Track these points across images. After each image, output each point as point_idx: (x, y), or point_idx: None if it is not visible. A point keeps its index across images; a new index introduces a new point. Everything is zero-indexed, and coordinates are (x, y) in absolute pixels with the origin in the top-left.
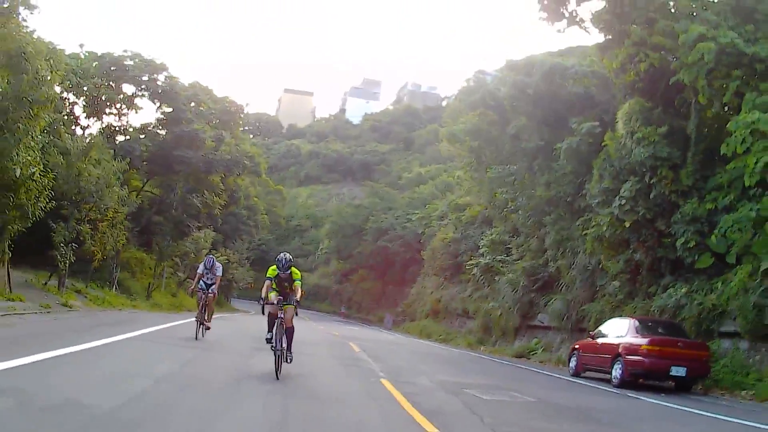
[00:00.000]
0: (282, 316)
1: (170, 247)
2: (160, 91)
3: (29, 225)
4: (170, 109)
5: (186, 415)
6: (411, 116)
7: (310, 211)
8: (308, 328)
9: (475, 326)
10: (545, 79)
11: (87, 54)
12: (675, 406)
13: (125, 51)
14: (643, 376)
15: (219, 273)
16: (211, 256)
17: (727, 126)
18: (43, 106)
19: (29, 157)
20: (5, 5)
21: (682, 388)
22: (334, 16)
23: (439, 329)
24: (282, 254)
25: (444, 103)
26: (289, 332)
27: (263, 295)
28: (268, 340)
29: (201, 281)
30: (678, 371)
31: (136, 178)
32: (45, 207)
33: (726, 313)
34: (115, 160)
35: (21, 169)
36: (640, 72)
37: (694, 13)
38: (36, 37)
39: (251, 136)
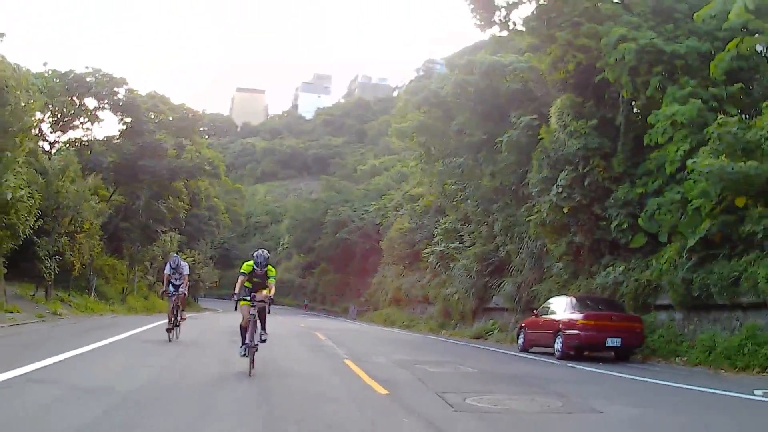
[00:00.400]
0: (254, 311)
1: (140, 252)
2: (121, 104)
3: (20, 243)
4: (130, 120)
5: (189, 393)
6: (362, 108)
7: (268, 208)
8: (275, 322)
9: (435, 311)
10: (485, 77)
11: (51, 72)
12: (606, 372)
13: (87, 68)
14: (582, 349)
15: (186, 272)
16: (176, 255)
17: (648, 119)
18: (26, 133)
19: (17, 182)
20: None
21: (621, 357)
22: (283, 13)
23: (402, 316)
24: (260, 251)
25: (395, 94)
26: (262, 314)
27: (236, 290)
28: (242, 354)
29: (169, 283)
30: (613, 342)
31: (103, 187)
32: (33, 225)
33: (660, 287)
34: (84, 173)
35: (12, 192)
36: (569, 70)
37: (617, 16)
38: (14, 64)
39: (207, 137)
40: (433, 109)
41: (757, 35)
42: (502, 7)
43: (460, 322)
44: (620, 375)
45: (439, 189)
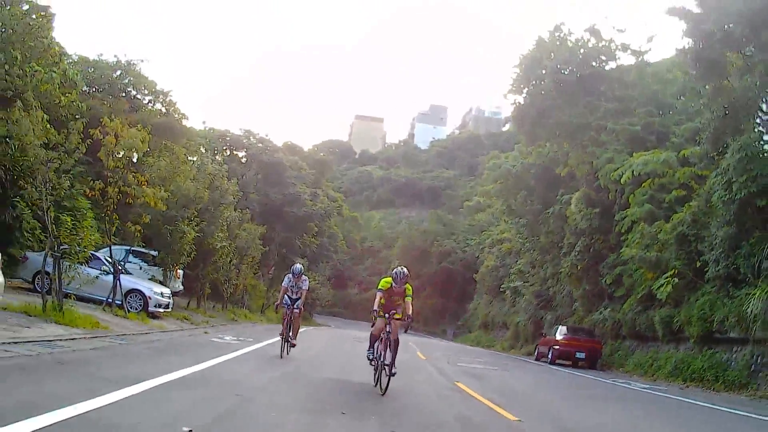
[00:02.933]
0: (390, 330)
1: (276, 275)
2: (266, 161)
3: (220, 275)
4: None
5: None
6: (474, 143)
7: (382, 233)
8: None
9: (509, 335)
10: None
11: (211, 130)
12: (571, 372)
13: (241, 129)
14: (561, 357)
15: (305, 286)
16: (298, 265)
17: (615, 217)
18: (227, 205)
19: (221, 235)
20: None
21: (589, 365)
22: (404, 42)
23: (487, 338)
24: (399, 268)
25: (505, 128)
26: (394, 345)
27: (375, 306)
28: (369, 359)
29: (286, 296)
30: (580, 354)
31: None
32: (229, 264)
33: (624, 323)
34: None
35: (219, 243)
36: (583, 172)
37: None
38: (224, 169)
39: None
40: (509, 180)
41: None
42: None
43: (525, 343)
44: (575, 373)
45: (514, 237)
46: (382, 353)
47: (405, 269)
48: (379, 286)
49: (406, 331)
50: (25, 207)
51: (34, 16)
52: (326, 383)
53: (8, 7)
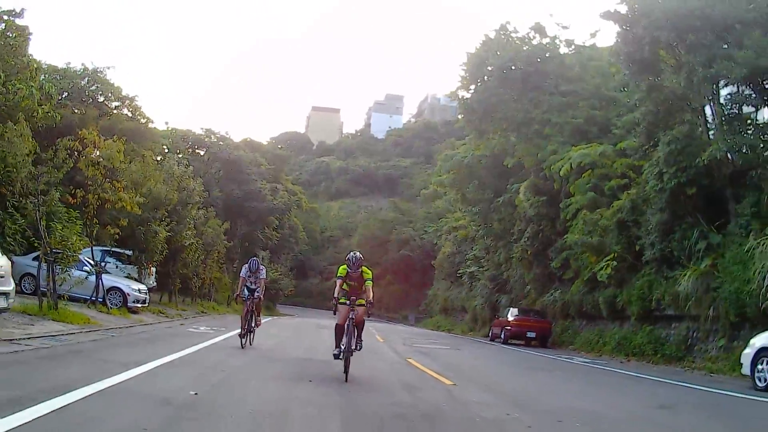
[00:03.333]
0: (353, 316)
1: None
2: (226, 158)
3: (189, 270)
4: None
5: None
6: (430, 131)
7: (341, 223)
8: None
9: (468, 318)
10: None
11: (172, 130)
12: (522, 350)
13: (201, 128)
14: (513, 337)
15: (263, 276)
16: (255, 258)
17: (560, 205)
18: (194, 204)
19: (189, 232)
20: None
21: (541, 344)
22: (358, 32)
23: (447, 322)
24: (352, 253)
25: (460, 116)
26: (360, 326)
27: (335, 294)
28: (336, 356)
29: (244, 287)
30: (531, 334)
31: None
32: (197, 259)
33: (572, 304)
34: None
35: (188, 240)
36: (530, 164)
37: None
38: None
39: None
40: (462, 170)
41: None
42: None
43: (483, 326)
44: (520, 350)
45: (468, 224)
46: (347, 343)
47: (358, 253)
48: (338, 274)
49: (368, 316)
50: (6, 214)
51: (11, 34)
52: (295, 361)
53: None
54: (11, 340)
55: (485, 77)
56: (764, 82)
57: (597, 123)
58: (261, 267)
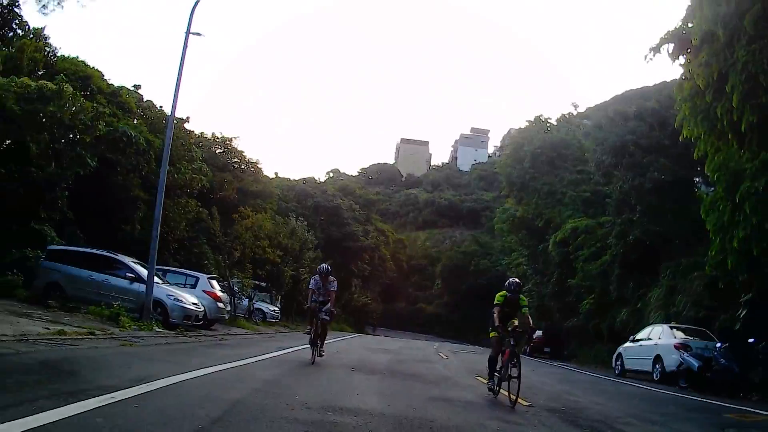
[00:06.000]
0: (513, 343)
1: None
2: (327, 206)
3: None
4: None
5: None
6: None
7: (427, 252)
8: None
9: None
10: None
11: (284, 179)
12: (541, 361)
13: (303, 181)
14: (536, 350)
15: (333, 288)
16: (324, 264)
17: (571, 256)
18: (309, 249)
19: (304, 270)
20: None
21: (554, 357)
22: (446, 65)
23: None
24: (512, 279)
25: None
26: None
27: (495, 322)
28: (491, 389)
29: (313, 297)
30: (547, 349)
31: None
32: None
33: (588, 329)
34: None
35: (303, 276)
36: (555, 224)
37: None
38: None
39: (377, 191)
40: (515, 222)
41: None
42: None
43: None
44: (544, 361)
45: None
46: (508, 366)
47: (517, 279)
48: (496, 301)
49: (524, 351)
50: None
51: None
52: (356, 362)
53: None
54: (222, 335)
55: (521, 161)
56: None
57: (602, 195)
58: (331, 277)
